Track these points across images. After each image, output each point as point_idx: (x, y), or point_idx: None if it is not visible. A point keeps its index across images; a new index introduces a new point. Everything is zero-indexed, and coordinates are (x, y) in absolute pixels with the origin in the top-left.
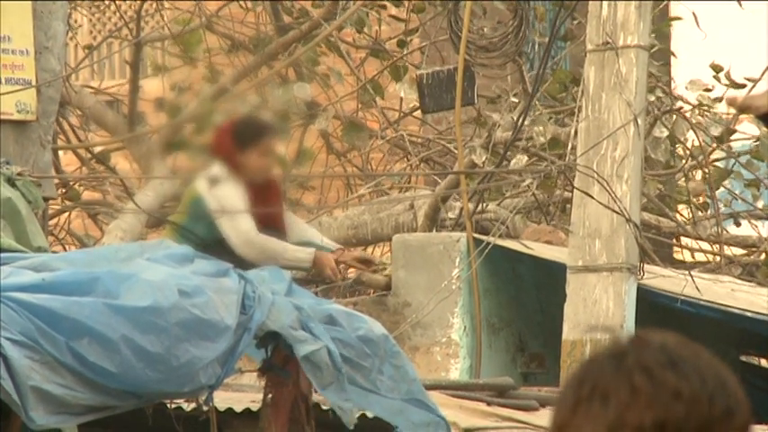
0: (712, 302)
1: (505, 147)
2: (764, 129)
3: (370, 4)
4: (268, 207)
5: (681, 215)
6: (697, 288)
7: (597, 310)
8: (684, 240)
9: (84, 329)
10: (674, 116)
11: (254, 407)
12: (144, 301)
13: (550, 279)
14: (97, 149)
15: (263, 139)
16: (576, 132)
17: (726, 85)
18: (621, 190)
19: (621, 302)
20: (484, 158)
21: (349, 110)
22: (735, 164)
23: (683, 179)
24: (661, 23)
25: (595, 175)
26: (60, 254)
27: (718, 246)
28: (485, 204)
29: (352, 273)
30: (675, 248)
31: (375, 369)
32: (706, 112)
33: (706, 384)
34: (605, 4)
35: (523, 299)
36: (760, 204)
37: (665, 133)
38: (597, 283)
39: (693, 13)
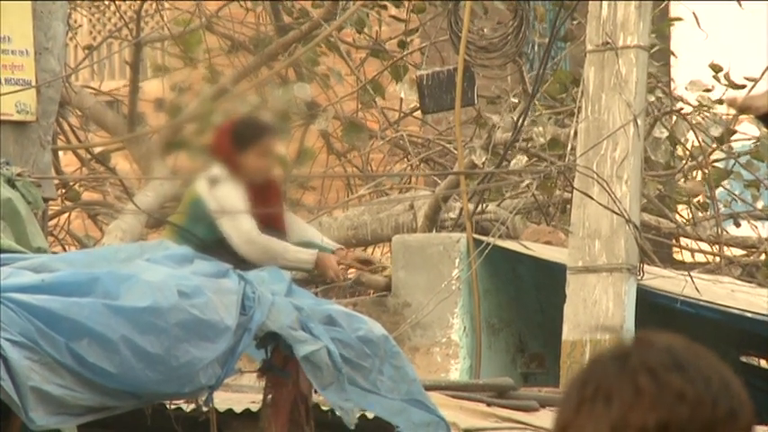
0: (712, 303)
1: (505, 147)
2: (764, 129)
3: (370, 5)
4: (268, 207)
5: (680, 216)
6: (697, 289)
7: (597, 311)
8: (684, 241)
9: (83, 330)
10: (674, 117)
11: (254, 407)
12: (143, 302)
13: (550, 280)
14: (97, 150)
15: (262, 139)
16: (575, 133)
17: (725, 85)
18: (621, 191)
19: (621, 303)
20: (484, 159)
21: (349, 110)
22: (735, 164)
23: (683, 180)
24: (661, 24)
25: (595, 176)
26: (60, 254)
27: (717, 246)
28: (485, 205)
29: (352, 273)
30: (675, 249)
31: (375, 369)
32: (706, 113)
33: (710, 386)
34: (605, 4)
35: (523, 299)
36: (760, 205)
37: (665, 134)
38: (597, 284)
39: (694, 14)
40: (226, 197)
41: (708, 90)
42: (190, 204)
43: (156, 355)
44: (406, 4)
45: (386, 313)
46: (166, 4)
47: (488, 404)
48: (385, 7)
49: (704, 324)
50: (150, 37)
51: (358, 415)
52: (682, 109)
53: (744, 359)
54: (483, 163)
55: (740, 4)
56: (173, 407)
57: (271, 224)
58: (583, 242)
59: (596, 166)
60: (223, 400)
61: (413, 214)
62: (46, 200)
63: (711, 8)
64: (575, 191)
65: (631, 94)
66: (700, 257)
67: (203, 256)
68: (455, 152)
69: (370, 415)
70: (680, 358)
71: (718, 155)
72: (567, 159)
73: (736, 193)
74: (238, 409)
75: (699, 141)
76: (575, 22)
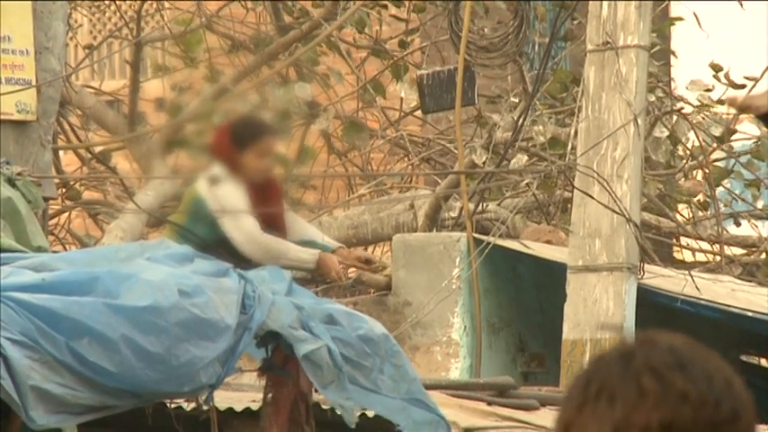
0: (712, 302)
1: (506, 147)
2: (765, 129)
3: (370, 4)
4: (268, 207)
5: (681, 215)
6: (697, 288)
7: (597, 310)
8: (684, 240)
9: (84, 329)
10: (675, 116)
11: (255, 406)
12: (144, 301)
13: (550, 279)
14: (97, 149)
15: (260, 139)
16: (576, 132)
17: (725, 84)
18: (622, 190)
19: (621, 302)
20: (484, 158)
21: (350, 110)
22: (735, 164)
23: (684, 179)
24: (662, 23)
25: (595, 175)
26: (60, 254)
27: (718, 246)
28: (485, 204)
29: (352, 273)
30: (675, 248)
31: (375, 369)
32: (706, 113)
33: (713, 387)
34: (605, 4)
35: (523, 299)
36: (760, 204)
37: (666, 133)
38: (597, 283)
39: (695, 14)
40: (226, 197)
41: (708, 90)
42: (190, 204)
43: (156, 354)
44: (407, 3)
45: (386, 312)
46: (167, 4)
47: (489, 403)
48: (385, 7)
49: (704, 323)
50: (151, 36)
51: (358, 414)
52: (682, 108)
53: (744, 358)
54: (483, 162)
55: (741, 5)
56: (173, 406)
57: (271, 223)
58: (583, 241)
59: (597, 165)
60: (223, 399)
61: (413, 213)
62: (46, 199)
63: (712, 8)
64: (575, 190)
65: (632, 94)
66: (700, 257)
67: (204, 255)
68: (455, 151)
69: (370, 414)
70: (683, 358)
71: (718, 154)
72: (567, 159)
73: (737, 192)
74: (239, 407)
75: (699, 141)
76: (575, 22)
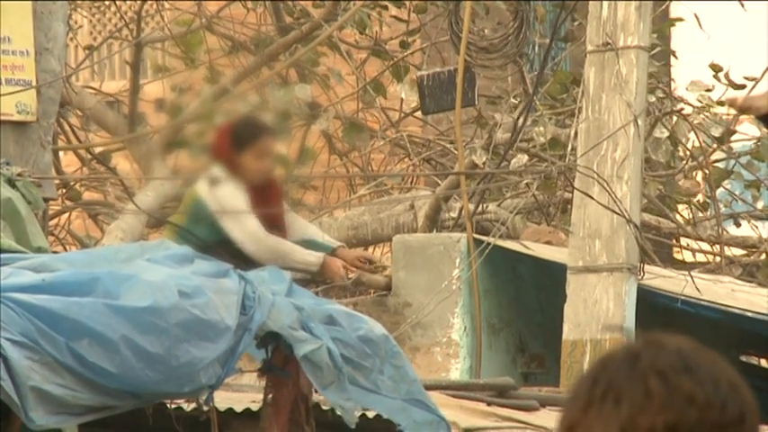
0: (712, 303)
1: (506, 147)
2: (765, 129)
3: (371, 5)
4: (269, 207)
5: (681, 216)
6: (697, 288)
7: (597, 311)
8: (684, 241)
9: (84, 330)
10: (675, 117)
11: (255, 407)
12: (144, 302)
13: (550, 279)
14: (98, 150)
15: (260, 139)
16: (576, 133)
17: (726, 85)
18: (622, 191)
19: (622, 303)
20: (484, 159)
21: (350, 110)
22: (735, 164)
23: (684, 180)
24: (662, 24)
25: (596, 176)
26: (60, 254)
27: (718, 246)
28: (485, 205)
29: (352, 273)
30: (676, 249)
31: (375, 369)
32: (706, 113)
33: (719, 389)
34: (605, 4)
35: (523, 299)
36: (760, 205)
37: (666, 134)
38: (597, 284)
39: (696, 15)
40: (227, 198)
41: (708, 90)
42: (190, 205)
43: (156, 354)
44: (407, 4)
45: (386, 313)
46: (167, 5)
47: (489, 404)
48: (386, 8)
49: (704, 324)
50: (151, 37)
51: (358, 414)
52: (682, 109)
53: (744, 359)
54: (483, 163)
55: (742, 5)
56: (173, 406)
57: (271, 224)
58: (583, 242)
59: (597, 166)
60: (223, 400)
61: (413, 214)
62: (46, 200)
63: (712, 8)
64: (575, 191)
65: (632, 95)
66: (700, 257)
67: (203, 256)
68: (456, 152)
69: (370, 414)
70: (690, 361)
71: (718, 155)
72: (567, 159)
73: (737, 193)
74: (239, 408)
75: (699, 141)
76: (575, 23)
